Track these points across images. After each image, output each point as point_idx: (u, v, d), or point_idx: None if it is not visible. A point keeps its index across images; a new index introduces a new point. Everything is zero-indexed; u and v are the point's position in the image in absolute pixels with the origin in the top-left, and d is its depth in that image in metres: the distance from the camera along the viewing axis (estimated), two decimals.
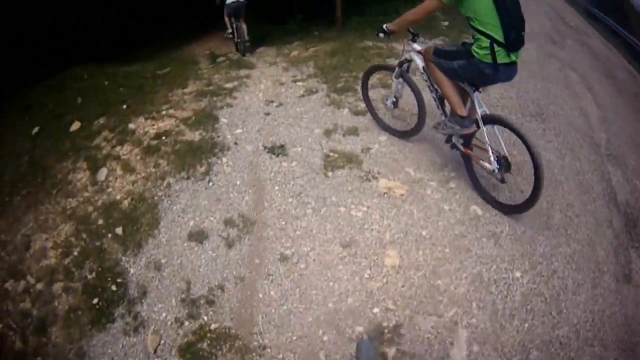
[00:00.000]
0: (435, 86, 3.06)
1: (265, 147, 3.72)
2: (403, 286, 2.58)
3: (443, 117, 3.15)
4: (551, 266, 2.65)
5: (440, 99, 3.14)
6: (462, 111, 2.85)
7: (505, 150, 2.74)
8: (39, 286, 3.21)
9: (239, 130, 3.98)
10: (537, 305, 2.46)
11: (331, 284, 2.64)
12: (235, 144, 3.82)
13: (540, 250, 2.75)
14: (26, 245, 3.58)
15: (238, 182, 3.42)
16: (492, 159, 2.75)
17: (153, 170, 3.72)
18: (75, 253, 3.29)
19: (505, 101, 4.30)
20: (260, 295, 2.66)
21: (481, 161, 2.88)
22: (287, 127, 3.96)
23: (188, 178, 3.55)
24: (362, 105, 4.03)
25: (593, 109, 4.39)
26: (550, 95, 4.51)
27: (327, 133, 3.82)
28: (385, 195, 3.14)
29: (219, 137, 3.93)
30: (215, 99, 4.55)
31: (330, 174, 3.37)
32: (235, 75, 5.08)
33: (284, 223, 3.02)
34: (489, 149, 2.76)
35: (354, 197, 3.15)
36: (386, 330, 2.39)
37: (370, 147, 3.61)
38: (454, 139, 3.12)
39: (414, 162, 3.43)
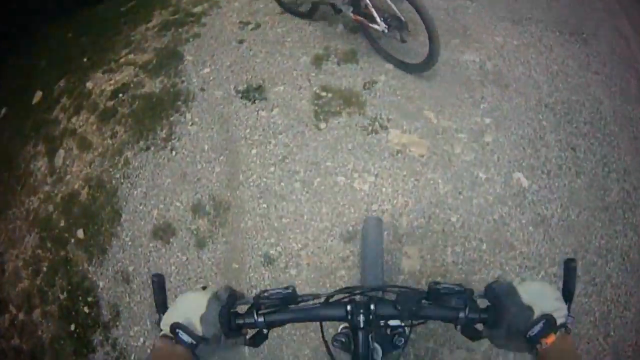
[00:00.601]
0: None
1: (238, 91, 2.71)
2: None
3: None
4: (606, 268, 2.07)
5: None
6: None
7: (396, 10, 2.47)
8: (21, 316, 2.79)
9: (206, 70, 2.93)
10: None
11: None
12: (202, 90, 2.82)
13: (596, 243, 2.12)
14: (1, 268, 3.07)
15: (206, 147, 2.52)
16: (379, 20, 2.57)
17: (110, 142, 2.91)
18: (45, 269, 2.79)
19: (537, 12, 3.13)
20: None
21: (370, 25, 2.67)
22: (266, 57, 2.91)
23: (148, 148, 2.70)
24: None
25: (629, 32, 3.22)
26: (585, 9, 3.26)
27: (317, 61, 2.85)
28: (399, 155, 2.31)
29: (182, 82, 2.95)
30: (180, 30, 3.47)
31: (323, 125, 2.46)
32: None
33: (265, 206, 2.14)
34: (373, 11, 2.58)
35: (357, 159, 2.28)
36: None
37: (374, 79, 2.67)
38: (342, 8, 2.82)
39: (435, 100, 2.56)
